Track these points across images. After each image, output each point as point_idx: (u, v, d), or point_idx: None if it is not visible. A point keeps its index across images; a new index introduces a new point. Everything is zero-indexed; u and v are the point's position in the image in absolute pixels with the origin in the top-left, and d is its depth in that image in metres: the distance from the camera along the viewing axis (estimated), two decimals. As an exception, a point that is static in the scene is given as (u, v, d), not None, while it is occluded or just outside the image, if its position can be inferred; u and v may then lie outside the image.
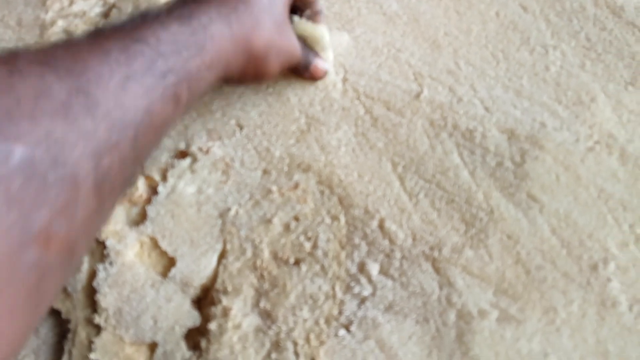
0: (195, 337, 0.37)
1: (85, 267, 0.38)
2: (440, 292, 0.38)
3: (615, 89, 0.45)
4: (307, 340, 0.36)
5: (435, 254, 0.39)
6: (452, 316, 0.37)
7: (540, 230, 0.40)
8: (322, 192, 0.42)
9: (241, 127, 0.44)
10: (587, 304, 0.37)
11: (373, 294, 0.38)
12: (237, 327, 0.37)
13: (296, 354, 0.36)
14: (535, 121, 0.44)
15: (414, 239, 0.40)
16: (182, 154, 0.43)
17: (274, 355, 0.36)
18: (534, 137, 0.43)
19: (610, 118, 0.44)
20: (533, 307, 0.37)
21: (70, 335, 0.37)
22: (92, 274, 0.38)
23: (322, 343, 0.36)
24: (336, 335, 0.37)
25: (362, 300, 0.38)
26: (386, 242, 0.40)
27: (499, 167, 0.42)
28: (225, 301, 0.37)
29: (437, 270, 0.39)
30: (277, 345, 0.36)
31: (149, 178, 0.42)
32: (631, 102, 0.44)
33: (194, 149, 0.43)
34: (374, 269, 0.39)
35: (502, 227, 0.40)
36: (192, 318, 0.37)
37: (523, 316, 0.37)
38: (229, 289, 0.38)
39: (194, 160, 0.42)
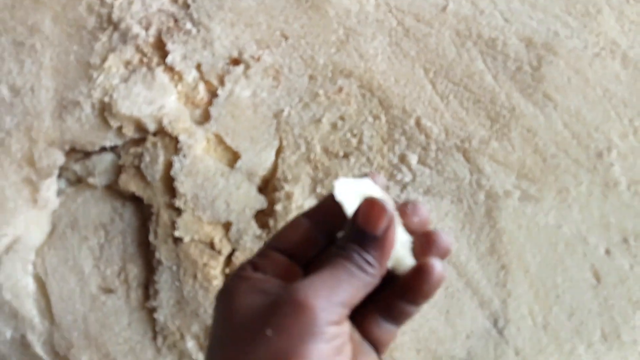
0: (263, 218, 0.42)
1: (161, 159, 0.42)
2: (471, 177, 0.43)
3: (619, 1, 0.49)
4: (360, 217, 0.42)
5: (466, 145, 0.44)
6: (481, 196, 0.43)
7: (555, 124, 0.45)
8: (363, 95, 0.46)
9: (286, 38, 0.48)
10: (594, 185, 0.43)
11: (413, 180, 0.43)
12: (300, 207, 0.42)
13: (352, 229, 0.41)
14: (549, 30, 0.48)
15: (446, 134, 0.45)
16: (236, 62, 0.46)
17: (333, 230, 0.41)
18: (549, 44, 0.47)
19: (613, 27, 0.48)
20: (549, 188, 0.43)
21: (154, 218, 0.41)
22: (168, 165, 0.42)
23: (373, 220, 0.42)
24: (384, 213, 0.42)
25: (404, 186, 0.43)
26: (423, 137, 0.44)
27: (519, 71, 0.47)
28: (287, 187, 0.42)
29: (467, 159, 0.44)
30: (335, 222, 0.41)
31: (208, 83, 0.45)
32: (632, 14, 0.49)
33: (245, 56, 0.46)
34: (413, 159, 0.44)
35: (522, 122, 0.45)
36: (259, 202, 0.42)
37: (541, 195, 0.43)
38: (289, 177, 0.43)
39: (247, 67, 0.46)
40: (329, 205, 0.27)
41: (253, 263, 0.26)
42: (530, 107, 0.45)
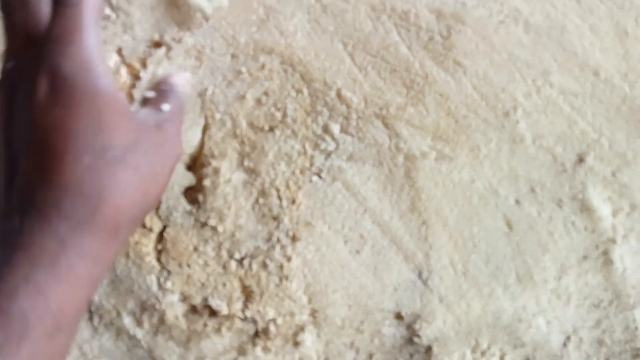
0: (192, 194, 0.41)
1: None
2: (390, 142, 0.44)
3: (520, -28, 0.51)
4: (287, 186, 0.42)
5: (384, 112, 0.45)
6: (400, 159, 0.44)
7: (465, 88, 0.46)
8: (285, 71, 0.46)
9: (207, 19, 0.47)
10: (502, 142, 0.45)
11: (337, 148, 0.44)
12: (228, 181, 0.41)
13: (279, 197, 0.41)
14: (457, 1, 0.49)
15: (366, 103, 0.45)
16: (157, 44, 0.45)
17: (261, 200, 0.41)
18: (457, 15, 0.48)
19: (516, -4, 0.50)
20: (462, 147, 0.44)
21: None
22: (95, 149, 0.41)
23: (299, 188, 0.42)
24: (310, 181, 0.42)
25: (328, 154, 0.43)
26: (344, 107, 0.45)
27: (430, 40, 0.48)
28: (214, 163, 0.42)
29: (386, 125, 0.45)
30: (263, 193, 0.41)
31: (130, 66, 0.44)
32: (532, -17, 0.51)
33: (167, 38, 0.45)
34: (335, 128, 0.44)
35: (435, 88, 0.46)
36: (187, 179, 0.42)
37: (454, 154, 0.44)
38: (216, 153, 0.42)
39: (169, 48, 0.45)
40: None
41: None
42: (442, 74, 0.46)
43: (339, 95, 0.45)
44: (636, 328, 0.41)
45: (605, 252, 0.43)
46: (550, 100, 0.46)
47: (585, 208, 0.44)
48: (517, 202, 0.44)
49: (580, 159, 0.45)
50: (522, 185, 0.44)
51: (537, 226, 0.43)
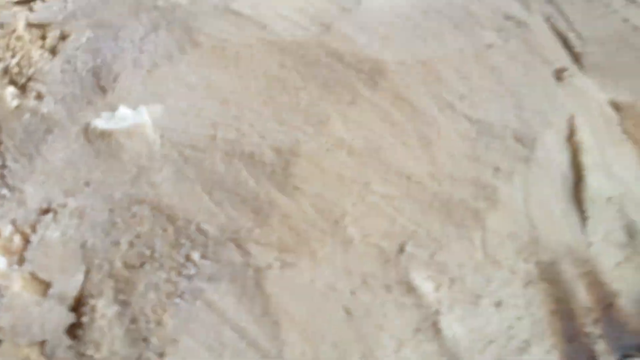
0: (74, 330, 0.49)
1: (-19, 302, 0.49)
2: (242, 259, 0.53)
3: (342, 108, 0.65)
4: (155, 311, 0.50)
5: (236, 236, 0.55)
6: (251, 272, 0.53)
7: (304, 206, 0.57)
8: (154, 215, 0.56)
9: (88, 184, 0.58)
10: (336, 244, 0.55)
11: (198, 272, 0.53)
12: (103, 315, 0.49)
13: (147, 322, 0.49)
14: (292, 139, 0.62)
15: (221, 231, 0.55)
16: (46, 211, 0.55)
17: (132, 326, 0.49)
18: (293, 150, 0.61)
19: (340, 128, 0.63)
20: (302, 254, 0.54)
21: (-23, 353, 0.47)
22: (-12, 306, 0.49)
23: (165, 311, 0.50)
24: (174, 303, 0.51)
25: (191, 278, 0.52)
26: (203, 237, 0.55)
27: (273, 173, 0.59)
28: (92, 302, 0.50)
29: (238, 246, 0.54)
30: (133, 320, 0.49)
31: (22, 233, 0.54)
32: (352, 115, 0.64)
33: (54, 205, 0.56)
34: (196, 256, 0.54)
35: (278, 210, 0.57)
36: (69, 318, 0.49)
37: (296, 261, 0.53)
38: (94, 293, 0.51)
39: (55, 213, 0.55)
40: None
41: None
42: (284, 198, 0.57)
43: (198, 228, 0.55)
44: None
45: (435, 323, 0.51)
46: (374, 205, 0.57)
47: (411, 288, 0.53)
48: (353, 293, 0.52)
49: (401, 249, 0.54)
50: (355, 279, 0.53)
51: (372, 310, 0.52)
